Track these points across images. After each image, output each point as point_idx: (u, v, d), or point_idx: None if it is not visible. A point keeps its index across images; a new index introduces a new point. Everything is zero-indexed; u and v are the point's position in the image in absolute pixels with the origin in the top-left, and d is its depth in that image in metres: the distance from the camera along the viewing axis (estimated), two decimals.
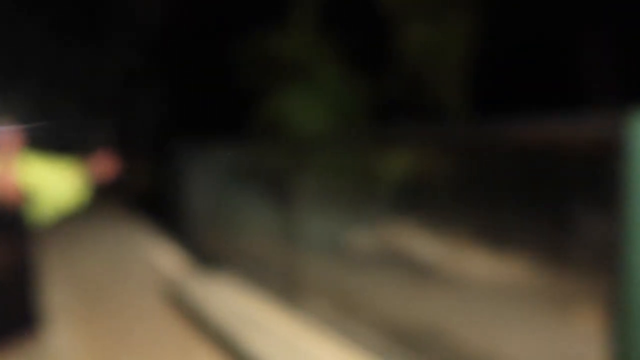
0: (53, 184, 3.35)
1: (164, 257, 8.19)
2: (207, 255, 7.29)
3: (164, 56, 12.65)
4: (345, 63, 8.13)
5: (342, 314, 4.36)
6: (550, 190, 2.77)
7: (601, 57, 6.73)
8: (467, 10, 7.31)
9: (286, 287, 5.21)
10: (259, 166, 6.24)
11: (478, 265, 3.25)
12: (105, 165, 3.42)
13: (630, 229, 2.17)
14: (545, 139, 2.75)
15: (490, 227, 3.11)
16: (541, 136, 2.76)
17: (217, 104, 10.23)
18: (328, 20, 8.24)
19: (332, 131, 7.57)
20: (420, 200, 3.67)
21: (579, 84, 6.79)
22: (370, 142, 4.34)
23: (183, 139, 8.87)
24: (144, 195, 13.23)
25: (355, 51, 8.01)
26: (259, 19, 8.57)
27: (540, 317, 2.86)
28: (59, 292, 6.24)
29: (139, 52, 13.60)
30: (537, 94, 6.24)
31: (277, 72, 8.33)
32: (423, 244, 3.64)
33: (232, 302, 5.44)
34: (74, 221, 5.85)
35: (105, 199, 11.15)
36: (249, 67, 8.54)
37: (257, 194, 6.09)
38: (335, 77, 8.13)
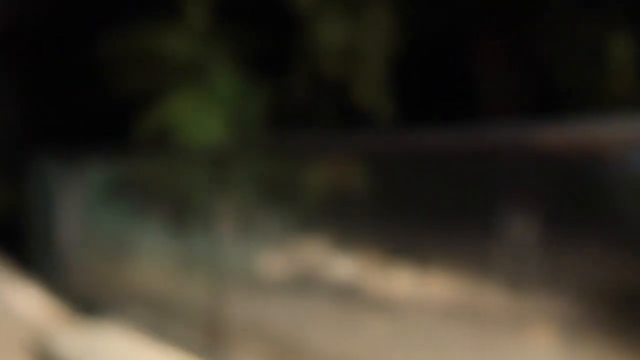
0: None
1: (25, 304, 7.76)
2: (86, 298, 7.00)
3: (16, 49, 12.21)
4: (247, 64, 8.37)
5: None
6: (476, 200, 2.95)
7: (500, 65, 7.83)
8: (388, 4, 7.74)
9: (196, 332, 5.03)
10: (147, 183, 6.18)
11: (403, 283, 3.38)
12: None
13: None
14: (468, 147, 2.96)
15: (411, 241, 3.30)
16: (464, 144, 2.98)
17: (88, 109, 9.97)
18: (225, 15, 8.33)
19: (234, 141, 7.78)
20: (334, 216, 3.85)
21: (480, 91, 7.86)
22: (276, 152, 4.53)
23: (46, 151, 8.56)
24: None
25: (258, 50, 8.23)
26: (140, 10, 8.55)
27: (498, 341, 2.91)
28: None
29: None
30: (446, 101, 7.12)
31: (164, 73, 8.41)
32: (341, 263, 3.79)
33: (123, 358, 5.19)
34: None
35: None
36: (129, 65, 8.55)
37: (147, 217, 6.01)
38: (233, 80, 8.35)
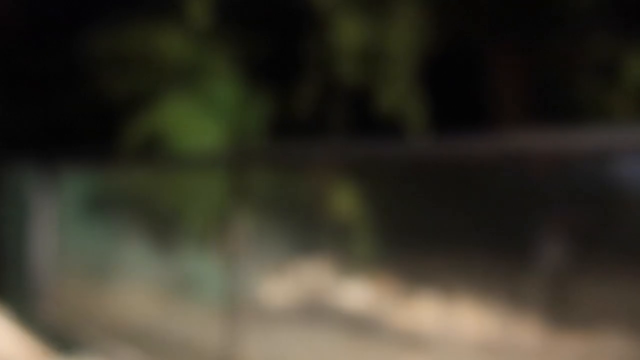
0: None
1: None
2: (64, 331, 7.02)
3: None
4: (249, 67, 8.57)
5: None
6: (509, 221, 2.98)
7: (515, 75, 8.35)
8: (413, 2, 7.96)
9: None
10: (135, 196, 6.29)
11: (427, 314, 3.40)
12: None
13: None
14: (498, 157, 3.06)
15: (431, 267, 3.31)
16: (492, 154, 3.08)
17: (67, 114, 10.10)
18: (226, 13, 8.54)
19: (233, 150, 7.92)
20: (342, 235, 3.88)
21: (492, 100, 8.41)
22: (284, 163, 4.63)
23: (19, 160, 8.65)
24: None
25: (262, 52, 8.43)
26: (129, 6, 8.76)
27: None
28: None
29: None
30: (458, 109, 7.56)
31: (156, 75, 8.62)
32: (360, 292, 3.82)
33: None
34: None
35: None
36: (116, 67, 8.75)
37: (134, 235, 6.08)
38: (233, 84, 8.55)
